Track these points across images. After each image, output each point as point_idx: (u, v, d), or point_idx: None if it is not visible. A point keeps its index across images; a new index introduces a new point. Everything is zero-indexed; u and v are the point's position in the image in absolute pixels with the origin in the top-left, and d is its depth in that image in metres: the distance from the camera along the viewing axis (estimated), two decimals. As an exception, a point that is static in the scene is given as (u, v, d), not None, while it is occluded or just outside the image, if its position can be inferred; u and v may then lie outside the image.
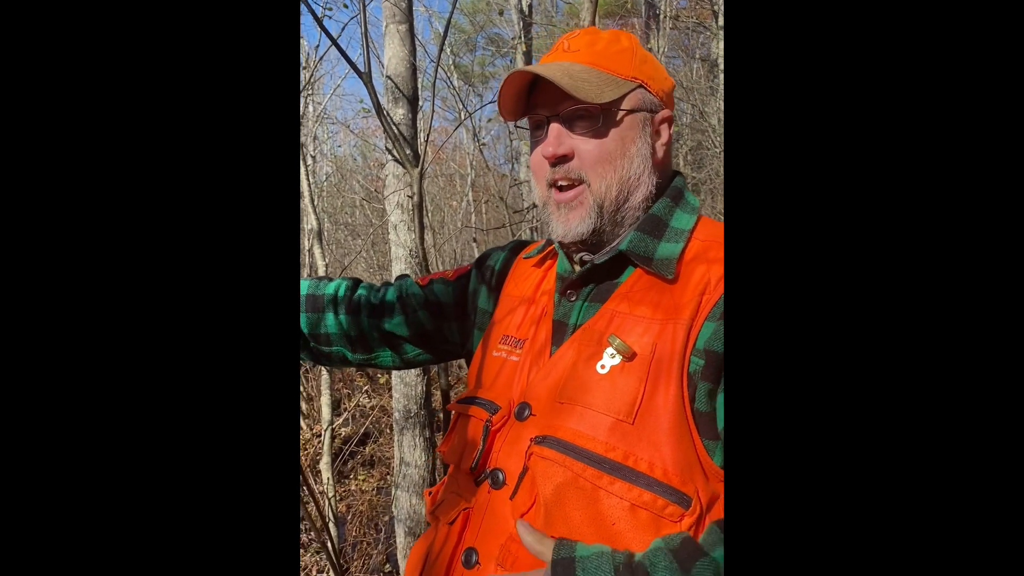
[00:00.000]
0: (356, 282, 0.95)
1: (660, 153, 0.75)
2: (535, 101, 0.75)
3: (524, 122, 0.79)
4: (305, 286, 0.93)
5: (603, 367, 0.67)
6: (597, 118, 0.72)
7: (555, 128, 0.73)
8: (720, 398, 0.63)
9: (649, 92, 0.74)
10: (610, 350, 0.67)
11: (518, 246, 0.90)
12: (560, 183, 0.73)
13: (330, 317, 0.91)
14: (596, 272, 0.73)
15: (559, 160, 0.73)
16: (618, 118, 0.72)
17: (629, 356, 0.66)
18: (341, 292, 0.92)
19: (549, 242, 0.82)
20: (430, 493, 0.81)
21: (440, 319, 0.90)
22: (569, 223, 0.73)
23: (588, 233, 0.73)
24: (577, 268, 0.76)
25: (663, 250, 0.71)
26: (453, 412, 0.81)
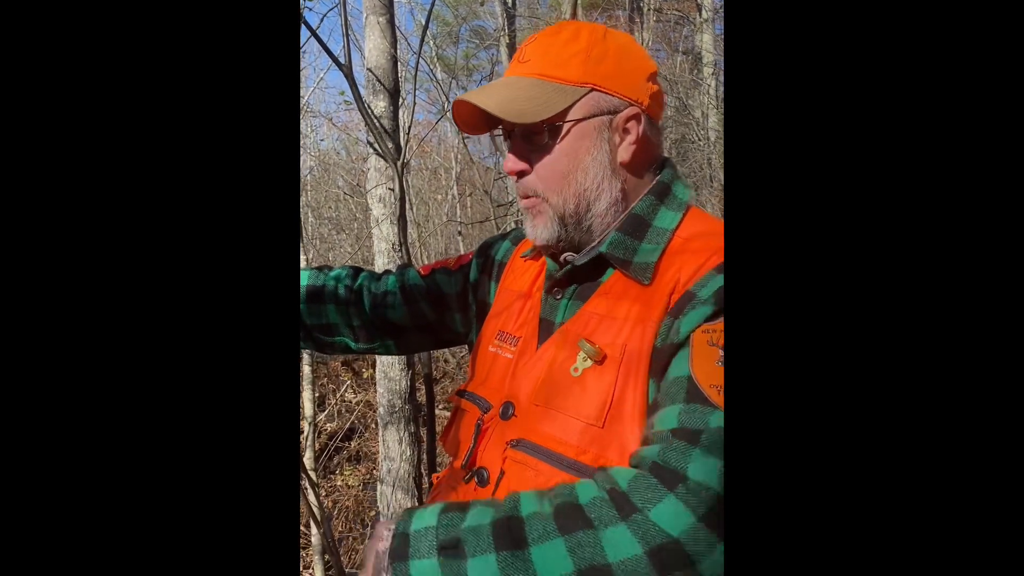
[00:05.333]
0: (357, 271, 0.95)
1: (626, 155, 0.72)
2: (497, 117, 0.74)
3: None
4: (306, 276, 0.93)
5: (576, 370, 0.67)
6: (545, 134, 0.70)
7: (512, 144, 0.73)
8: (651, 385, 0.64)
9: (606, 93, 0.71)
10: (582, 354, 0.67)
11: (518, 237, 0.90)
12: (524, 194, 0.74)
13: (332, 307, 0.91)
14: (579, 272, 0.73)
15: (518, 175, 0.73)
16: (566, 131, 0.70)
17: (599, 359, 0.66)
18: (343, 282, 0.92)
19: None
20: (437, 479, 0.82)
21: (443, 309, 0.90)
22: (535, 229, 0.73)
23: (553, 240, 0.73)
24: (561, 267, 0.75)
25: (642, 254, 0.70)
26: (453, 403, 0.82)
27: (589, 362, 0.66)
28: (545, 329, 0.74)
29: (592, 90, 0.70)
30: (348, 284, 0.92)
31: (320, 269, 0.95)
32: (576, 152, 0.71)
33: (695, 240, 0.70)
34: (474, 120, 0.74)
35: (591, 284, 0.73)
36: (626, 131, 0.72)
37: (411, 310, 0.90)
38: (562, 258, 0.76)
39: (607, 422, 0.63)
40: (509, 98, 0.69)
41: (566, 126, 0.70)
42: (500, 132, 0.76)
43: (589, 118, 0.70)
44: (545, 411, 0.67)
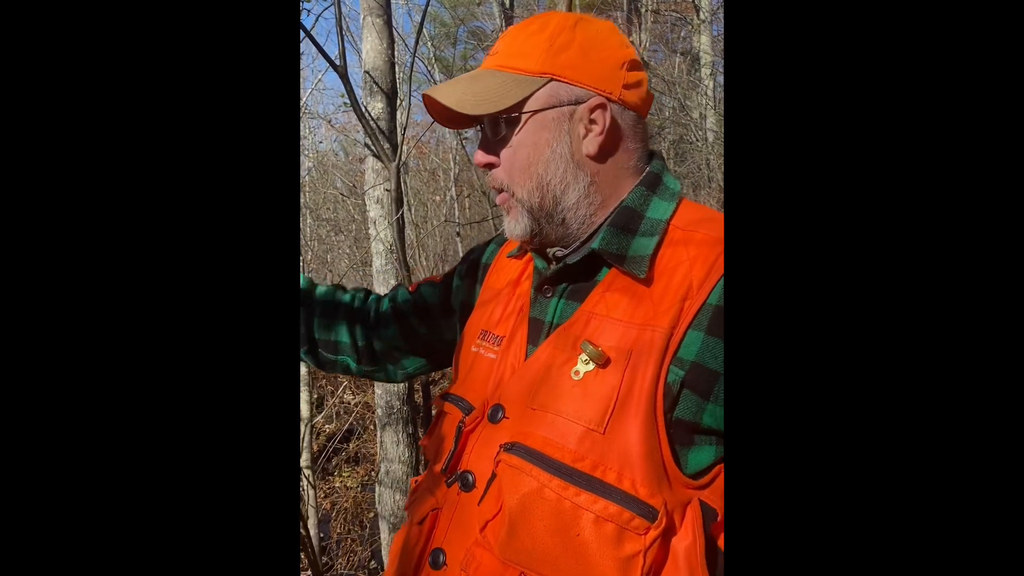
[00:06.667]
0: (367, 293, 0.97)
1: (592, 146, 0.69)
2: None
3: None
4: (322, 291, 0.94)
5: (577, 373, 0.65)
6: (502, 125, 0.69)
7: (483, 136, 0.72)
8: (710, 408, 0.62)
9: (566, 83, 0.69)
10: (583, 356, 0.65)
11: (503, 239, 0.89)
12: (495, 188, 0.73)
13: (343, 327, 0.92)
14: (570, 270, 0.71)
15: (487, 166, 0.72)
16: (524, 122, 0.69)
17: (603, 363, 0.64)
18: (356, 303, 0.94)
19: None
20: (416, 483, 0.81)
21: (430, 321, 0.90)
22: (509, 225, 0.73)
23: (527, 235, 0.72)
24: (552, 264, 0.74)
25: (636, 247, 0.68)
26: (436, 407, 0.80)
27: (591, 365, 0.64)
28: (536, 329, 0.72)
29: (551, 80, 0.69)
30: (360, 305, 0.93)
31: (336, 287, 0.96)
32: (535, 144, 0.69)
33: (697, 229, 0.67)
34: (447, 113, 0.74)
35: (586, 283, 0.71)
36: (592, 122, 0.69)
37: (402, 328, 0.91)
38: (552, 254, 0.74)
39: (608, 428, 0.61)
40: (467, 90, 0.69)
41: (523, 117, 0.68)
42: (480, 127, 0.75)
43: (547, 109, 0.69)
44: (542, 414, 0.65)
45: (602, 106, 0.69)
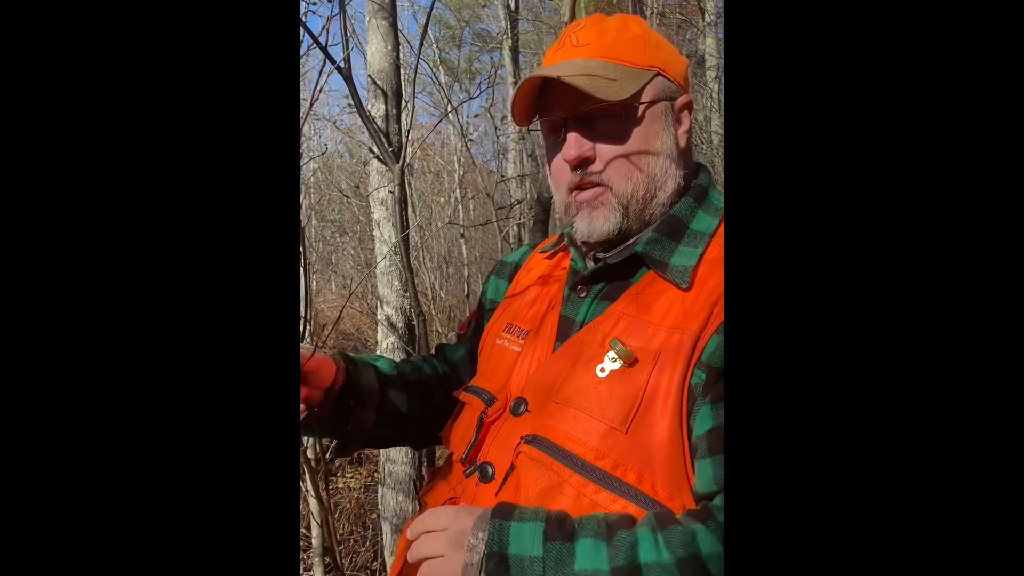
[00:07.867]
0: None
1: (683, 142, 0.72)
2: (548, 103, 0.71)
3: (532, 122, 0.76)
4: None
5: (603, 370, 0.64)
6: (620, 116, 0.68)
7: (574, 130, 0.69)
8: (703, 409, 0.61)
9: (667, 79, 0.71)
10: (611, 353, 0.64)
11: (535, 244, 0.90)
12: (583, 185, 0.70)
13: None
14: (609, 271, 0.71)
15: (582, 163, 0.69)
16: (640, 113, 0.69)
17: (631, 362, 0.63)
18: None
19: (563, 237, 0.81)
20: (431, 472, 0.82)
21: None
22: (594, 222, 0.70)
23: (614, 232, 0.70)
24: (590, 264, 0.74)
25: (680, 256, 0.68)
26: (456, 397, 0.81)
27: (619, 363, 0.64)
28: (566, 326, 0.72)
29: (658, 74, 0.70)
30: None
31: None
32: (647, 136, 0.69)
33: None
34: (528, 104, 0.71)
35: (620, 284, 0.71)
36: (680, 120, 0.72)
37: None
38: (591, 254, 0.74)
39: (631, 428, 0.61)
40: (591, 75, 0.67)
41: (641, 108, 0.69)
42: (537, 122, 0.73)
43: (657, 102, 0.70)
44: (565, 409, 0.65)
45: (689, 104, 0.72)
